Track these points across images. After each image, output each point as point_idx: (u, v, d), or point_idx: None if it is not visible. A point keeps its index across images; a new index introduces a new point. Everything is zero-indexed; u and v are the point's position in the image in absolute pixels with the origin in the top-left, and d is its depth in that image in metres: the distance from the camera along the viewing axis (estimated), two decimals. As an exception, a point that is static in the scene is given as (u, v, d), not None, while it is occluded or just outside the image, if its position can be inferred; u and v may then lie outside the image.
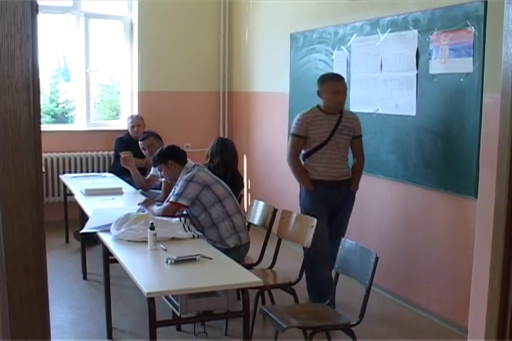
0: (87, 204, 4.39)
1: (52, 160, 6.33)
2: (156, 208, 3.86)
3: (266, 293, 3.80)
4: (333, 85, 3.99)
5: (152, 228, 3.20)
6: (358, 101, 4.63)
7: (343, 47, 4.86)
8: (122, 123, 6.60)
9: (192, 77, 6.86)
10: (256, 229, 4.40)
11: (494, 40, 2.41)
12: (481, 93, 3.47)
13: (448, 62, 3.80)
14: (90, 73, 6.60)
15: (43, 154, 6.04)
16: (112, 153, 6.35)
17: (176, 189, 3.81)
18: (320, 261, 4.00)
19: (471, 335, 2.49)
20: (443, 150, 3.91)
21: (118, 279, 4.21)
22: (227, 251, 3.42)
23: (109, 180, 5.44)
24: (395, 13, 4.24)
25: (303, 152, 4.12)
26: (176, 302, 2.83)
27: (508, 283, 1.46)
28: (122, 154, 5.30)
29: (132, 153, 5.32)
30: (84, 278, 4.78)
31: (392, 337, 3.77)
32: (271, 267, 3.92)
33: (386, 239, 4.50)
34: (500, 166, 1.47)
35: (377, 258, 2.91)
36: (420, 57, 4.03)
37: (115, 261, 3.22)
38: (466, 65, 3.64)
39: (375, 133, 4.51)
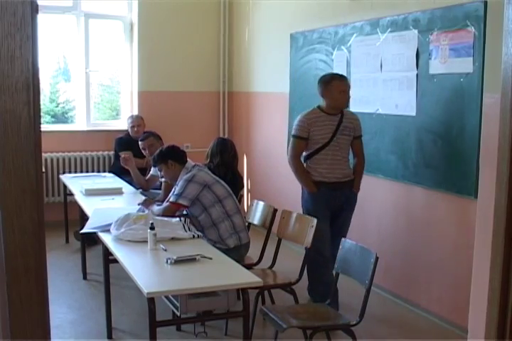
0: (87, 204, 4.39)
1: (52, 160, 6.33)
2: (156, 208, 3.86)
3: (266, 293, 3.80)
4: (339, 85, 3.98)
5: (152, 228, 3.20)
6: (358, 101, 4.62)
7: (343, 47, 4.86)
8: (122, 123, 6.60)
9: (192, 77, 6.86)
10: (256, 229, 4.40)
11: (494, 40, 2.41)
12: (481, 93, 3.47)
13: (448, 62, 3.80)
14: (90, 73, 6.60)
15: (43, 154, 6.04)
16: (112, 153, 6.35)
17: (176, 189, 3.81)
18: (323, 263, 3.99)
19: (471, 335, 2.49)
20: (443, 151, 3.91)
21: (118, 279, 4.21)
22: (227, 251, 3.42)
23: (109, 180, 5.44)
24: (395, 13, 4.24)
25: (304, 153, 4.10)
26: (176, 302, 2.83)
27: (508, 283, 1.46)
28: (122, 154, 5.30)
29: (132, 153, 5.31)
30: (84, 278, 4.78)
31: (392, 337, 3.77)
32: (271, 267, 3.92)
33: (386, 239, 4.50)
34: (500, 166, 1.47)
35: (377, 258, 2.91)
36: (420, 57, 4.03)
37: (115, 261, 3.22)
38: (466, 65, 3.64)
39: (375, 133, 4.50)
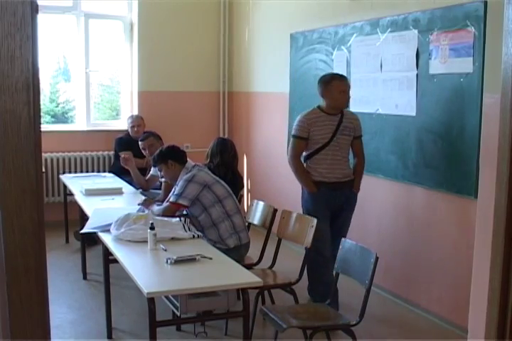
0: (87, 204, 4.39)
1: (52, 160, 6.33)
2: (156, 208, 3.86)
3: (266, 293, 3.80)
4: (339, 85, 3.98)
5: (152, 228, 3.20)
6: (358, 101, 4.62)
7: (343, 47, 4.86)
8: (122, 123, 6.60)
9: (192, 77, 6.86)
10: (256, 229, 4.40)
11: (494, 40, 2.41)
12: (481, 93, 3.47)
13: (448, 62, 3.80)
14: (90, 73, 6.60)
15: (43, 154, 6.04)
16: (111, 153, 6.35)
17: (176, 189, 3.81)
18: (323, 264, 3.99)
19: (471, 335, 2.49)
20: (443, 151, 3.91)
21: (118, 279, 4.21)
22: (227, 251, 3.42)
23: (109, 180, 5.44)
24: (395, 13, 4.24)
25: (304, 153, 4.09)
26: (176, 302, 2.83)
27: (508, 283, 1.46)
28: (122, 154, 5.30)
29: (132, 153, 5.31)
30: (84, 278, 4.78)
31: (392, 337, 3.77)
32: (271, 267, 3.92)
33: (386, 239, 4.50)
34: (500, 166, 1.47)
35: (377, 258, 2.91)
36: (420, 57, 4.03)
37: (115, 261, 3.22)
38: (466, 65, 3.64)
39: (375, 133, 4.50)
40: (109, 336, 3.68)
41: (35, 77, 1.23)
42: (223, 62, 6.94)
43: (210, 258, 3.02)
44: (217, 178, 3.90)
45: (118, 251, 3.20)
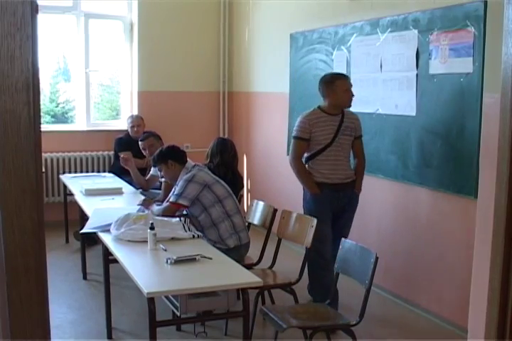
0: (87, 204, 4.39)
1: (52, 160, 6.33)
2: (156, 208, 3.86)
3: (266, 293, 3.80)
4: (343, 84, 3.97)
5: (152, 228, 3.20)
6: (358, 101, 4.60)
7: (343, 47, 4.86)
8: (122, 124, 6.60)
9: (192, 77, 6.86)
10: (256, 229, 4.40)
11: (494, 40, 2.42)
12: (481, 93, 3.47)
13: (448, 62, 3.80)
14: (90, 73, 6.61)
15: (43, 154, 6.04)
16: (111, 153, 6.35)
17: (176, 189, 3.81)
18: (324, 265, 3.97)
19: (471, 335, 2.49)
20: (443, 150, 3.91)
21: (118, 279, 4.21)
22: (227, 251, 3.42)
23: (109, 180, 5.44)
24: (395, 13, 4.24)
25: (306, 155, 4.05)
26: (175, 302, 2.83)
27: (508, 283, 1.46)
28: (122, 154, 5.30)
29: (132, 153, 5.31)
30: (84, 278, 4.78)
31: (392, 337, 3.77)
32: (271, 267, 3.92)
33: (386, 239, 4.50)
34: (500, 166, 1.47)
35: (377, 259, 2.91)
36: (420, 57, 4.03)
37: (115, 261, 3.22)
38: (466, 65, 3.64)
39: (375, 133, 4.50)
40: (109, 336, 3.68)
41: (35, 77, 1.23)
42: (223, 62, 6.94)
43: (210, 258, 3.02)
44: (217, 178, 3.90)
45: (118, 251, 3.20)
